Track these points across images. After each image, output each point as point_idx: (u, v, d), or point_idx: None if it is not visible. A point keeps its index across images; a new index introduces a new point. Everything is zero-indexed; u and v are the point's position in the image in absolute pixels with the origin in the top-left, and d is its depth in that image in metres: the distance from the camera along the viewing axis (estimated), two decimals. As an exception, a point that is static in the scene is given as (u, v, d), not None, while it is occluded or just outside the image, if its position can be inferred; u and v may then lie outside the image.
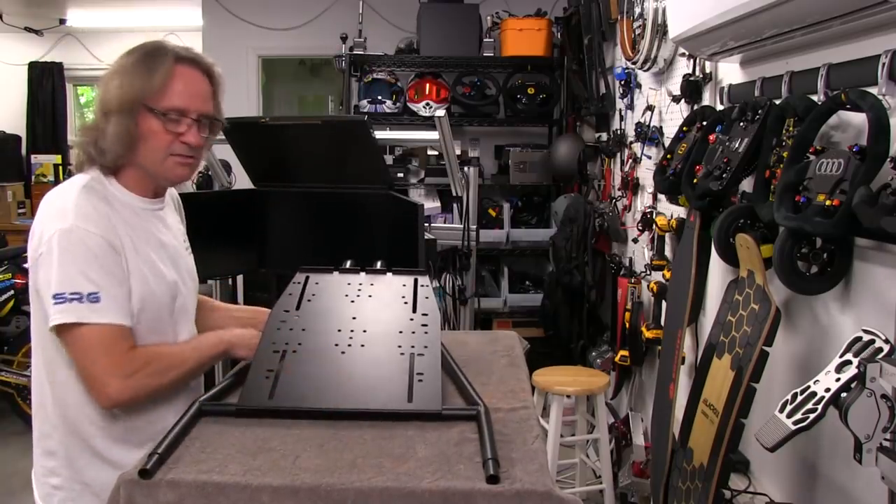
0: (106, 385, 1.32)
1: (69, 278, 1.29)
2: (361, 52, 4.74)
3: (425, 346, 1.39)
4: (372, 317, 1.50)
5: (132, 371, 1.34)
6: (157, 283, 1.43)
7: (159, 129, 1.38)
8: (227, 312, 1.76)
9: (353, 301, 1.55)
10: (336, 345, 1.40)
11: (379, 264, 1.72)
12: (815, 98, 1.69)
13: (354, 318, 1.49)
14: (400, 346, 1.40)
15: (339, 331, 1.44)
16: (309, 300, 1.54)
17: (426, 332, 1.44)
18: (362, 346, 1.40)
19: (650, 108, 3.04)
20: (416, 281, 1.61)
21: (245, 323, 1.64)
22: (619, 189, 3.59)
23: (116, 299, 1.34)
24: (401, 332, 1.44)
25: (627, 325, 3.16)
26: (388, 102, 4.71)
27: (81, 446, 1.40)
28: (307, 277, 1.61)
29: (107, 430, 1.40)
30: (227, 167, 3.74)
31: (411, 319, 1.48)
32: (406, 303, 1.54)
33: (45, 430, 1.42)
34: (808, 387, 1.34)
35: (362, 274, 1.66)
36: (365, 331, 1.45)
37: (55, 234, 1.30)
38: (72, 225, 1.31)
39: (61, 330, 1.32)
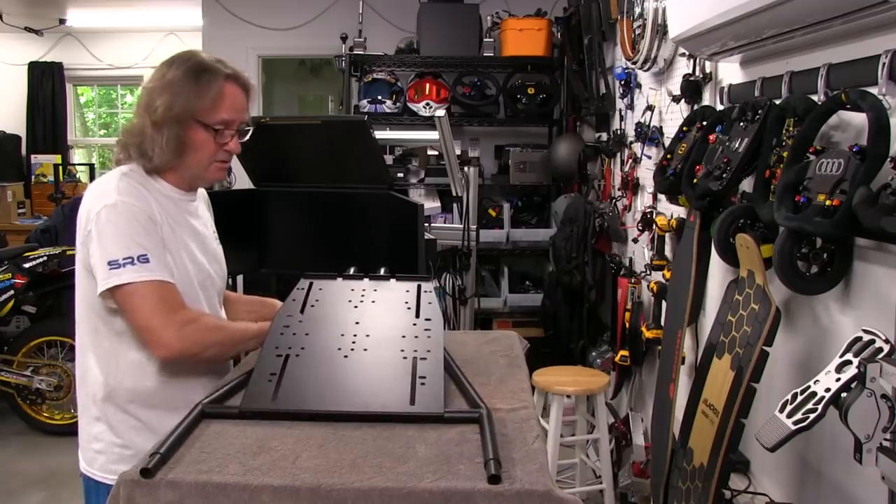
0: (163, 335, 1.44)
1: (121, 245, 1.44)
2: (361, 52, 4.74)
3: (428, 351, 1.40)
4: (375, 322, 1.50)
5: (185, 322, 1.46)
6: (189, 262, 1.56)
7: (209, 140, 1.54)
8: (239, 305, 1.84)
9: (356, 306, 1.56)
10: (339, 349, 1.41)
11: (382, 270, 1.73)
12: (815, 98, 1.69)
13: (357, 322, 1.50)
14: (403, 351, 1.40)
15: (343, 335, 1.45)
16: (312, 305, 1.55)
17: (429, 337, 1.45)
18: (365, 350, 1.41)
19: (650, 108, 3.04)
20: (419, 287, 1.62)
21: (256, 318, 1.72)
22: (619, 189, 3.59)
23: (162, 260, 1.48)
24: (404, 336, 1.45)
25: (627, 325, 3.16)
26: (388, 102, 4.71)
27: (121, 412, 1.53)
28: (311, 283, 1.62)
29: (142, 396, 1.53)
30: (227, 167, 3.74)
31: (414, 324, 1.49)
32: (409, 308, 1.55)
33: (89, 400, 1.56)
34: (808, 387, 1.34)
35: (366, 280, 1.67)
36: (368, 335, 1.45)
37: (102, 210, 1.45)
38: (116, 200, 1.46)
39: (117, 292, 1.44)
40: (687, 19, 2.03)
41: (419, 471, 1.08)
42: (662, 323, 2.67)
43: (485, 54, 4.74)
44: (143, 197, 1.50)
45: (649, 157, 3.11)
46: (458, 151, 3.28)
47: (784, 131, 1.77)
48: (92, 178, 6.27)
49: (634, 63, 3.13)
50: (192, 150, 1.54)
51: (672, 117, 2.82)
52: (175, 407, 1.43)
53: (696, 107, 2.54)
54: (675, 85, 2.74)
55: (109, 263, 1.43)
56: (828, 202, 1.46)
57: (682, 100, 2.65)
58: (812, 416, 1.30)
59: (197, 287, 1.59)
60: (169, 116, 1.50)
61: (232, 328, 1.59)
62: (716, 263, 2.21)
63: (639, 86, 3.35)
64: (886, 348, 1.27)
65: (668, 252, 2.82)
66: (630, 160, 3.41)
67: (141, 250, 1.44)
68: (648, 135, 3.04)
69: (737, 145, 1.90)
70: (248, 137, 1.64)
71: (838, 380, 1.30)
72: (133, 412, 1.53)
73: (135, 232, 1.45)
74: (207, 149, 1.55)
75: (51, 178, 6.26)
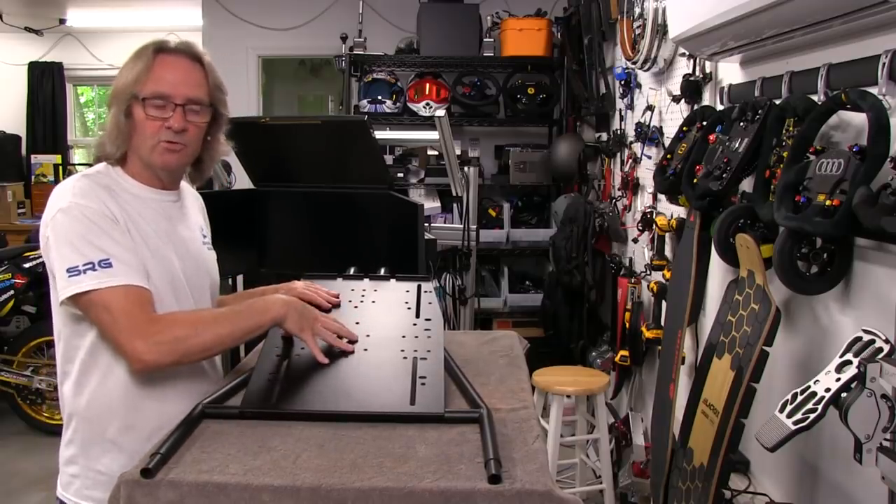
0: (131, 347, 1.32)
1: (78, 251, 1.33)
2: (361, 52, 4.74)
3: (428, 351, 1.40)
4: (375, 322, 1.50)
5: (158, 329, 1.33)
6: (157, 266, 1.43)
7: (144, 116, 1.42)
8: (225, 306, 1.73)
9: (356, 307, 1.56)
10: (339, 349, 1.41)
11: (382, 270, 1.73)
12: (815, 98, 1.69)
13: (358, 323, 1.50)
14: (403, 351, 1.40)
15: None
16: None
17: (429, 337, 1.45)
18: (365, 350, 1.41)
19: (650, 108, 3.04)
20: (419, 287, 1.62)
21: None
22: (619, 189, 3.59)
23: (127, 263, 1.36)
24: (404, 336, 1.45)
25: (627, 325, 3.16)
26: (388, 102, 4.71)
27: (96, 434, 1.42)
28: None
29: (120, 417, 1.41)
30: (227, 167, 3.74)
31: (414, 324, 1.49)
32: (409, 308, 1.55)
33: (66, 419, 1.46)
34: (809, 387, 1.35)
35: (366, 280, 1.67)
36: (368, 335, 1.45)
37: (57, 214, 1.36)
38: (70, 203, 1.36)
39: (80, 301, 1.34)
40: (687, 19, 2.03)
41: (419, 471, 1.08)
42: (662, 323, 2.67)
43: (485, 54, 4.74)
44: (100, 198, 1.39)
45: (649, 157, 3.11)
46: (458, 151, 3.28)
47: (784, 131, 1.77)
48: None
49: (634, 63, 3.13)
50: (134, 131, 1.43)
51: (672, 117, 2.82)
52: (152, 430, 1.34)
53: (696, 107, 2.54)
54: (675, 85, 2.74)
55: (69, 271, 1.33)
56: (828, 202, 1.46)
57: (682, 100, 2.65)
58: (812, 416, 1.30)
59: (165, 292, 1.44)
60: (111, 99, 1.44)
61: (224, 320, 1.40)
62: (716, 263, 2.21)
63: (639, 86, 3.35)
64: (886, 348, 1.27)
65: (668, 252, 2.82)
66: (630, 160, 3.41)
67: (101, 254, 1.33)
68: (648, 135, 3.04)
69: (737, 145, 1.90)
70: (216, 126, 1.53)
71: (838, 380, 1.30)
72: (111, 435, 1.41)
73: (93, 235, 1.35)
74: (146, 126, 1.42)
75: (51, 178, 6.26)
